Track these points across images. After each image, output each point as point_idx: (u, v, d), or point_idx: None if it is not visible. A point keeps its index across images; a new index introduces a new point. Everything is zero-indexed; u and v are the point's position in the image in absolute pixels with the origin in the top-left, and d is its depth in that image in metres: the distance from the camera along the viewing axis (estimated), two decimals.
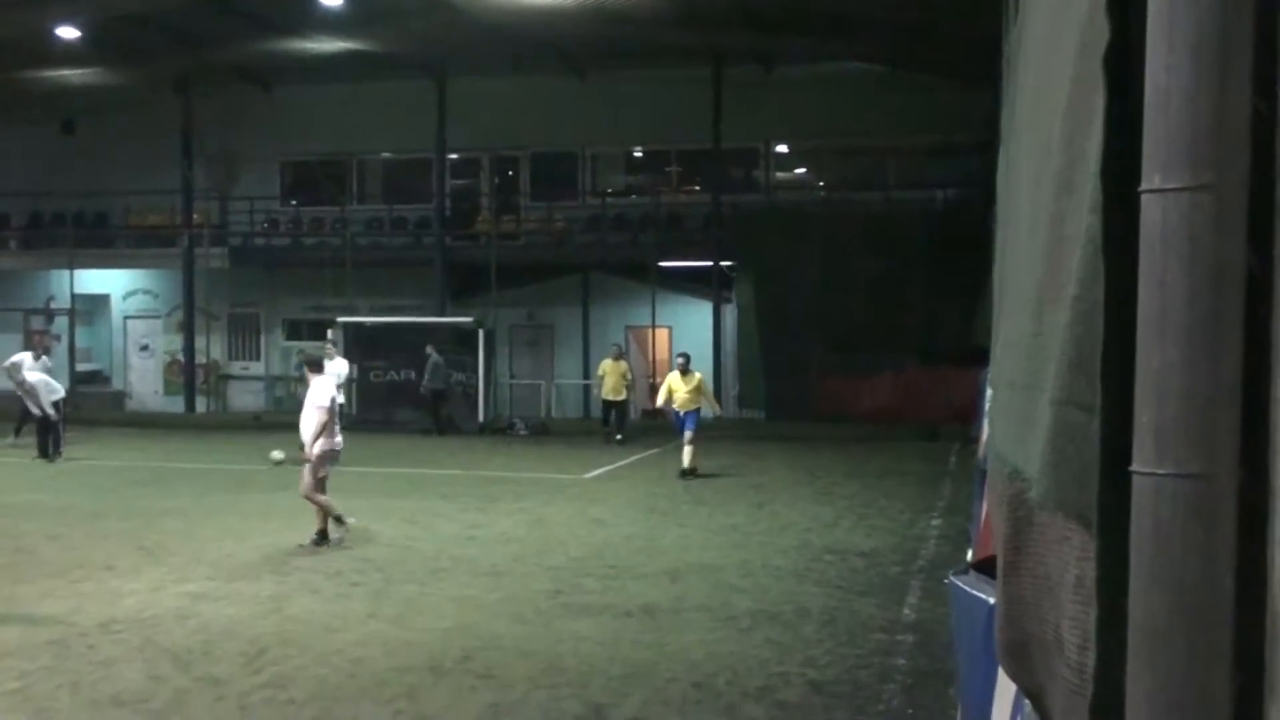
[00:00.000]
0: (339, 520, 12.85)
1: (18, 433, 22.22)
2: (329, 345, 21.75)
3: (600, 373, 25.35)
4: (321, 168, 33.77)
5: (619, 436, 23.97)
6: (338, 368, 20.57)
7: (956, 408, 22.10)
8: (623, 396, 24.63)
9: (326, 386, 13.10)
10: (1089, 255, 1.75)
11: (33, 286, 34.64)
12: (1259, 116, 1.52)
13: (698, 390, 18.88)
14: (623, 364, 25.02)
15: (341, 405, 20.53)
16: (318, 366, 13.39)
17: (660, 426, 22.63)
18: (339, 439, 13.08)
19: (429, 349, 26.45)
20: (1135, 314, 1.61)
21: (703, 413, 19.19)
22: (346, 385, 26.57)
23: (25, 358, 21.77)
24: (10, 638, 8.98)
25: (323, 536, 12.76)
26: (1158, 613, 1.54)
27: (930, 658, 8.46)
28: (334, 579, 11.15)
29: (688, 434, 18.55)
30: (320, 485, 12.84)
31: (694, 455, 18.53)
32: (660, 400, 19.64)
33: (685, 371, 19.06)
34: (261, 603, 10.18)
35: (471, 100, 30.16)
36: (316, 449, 12.71)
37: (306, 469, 12.83)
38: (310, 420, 12.82)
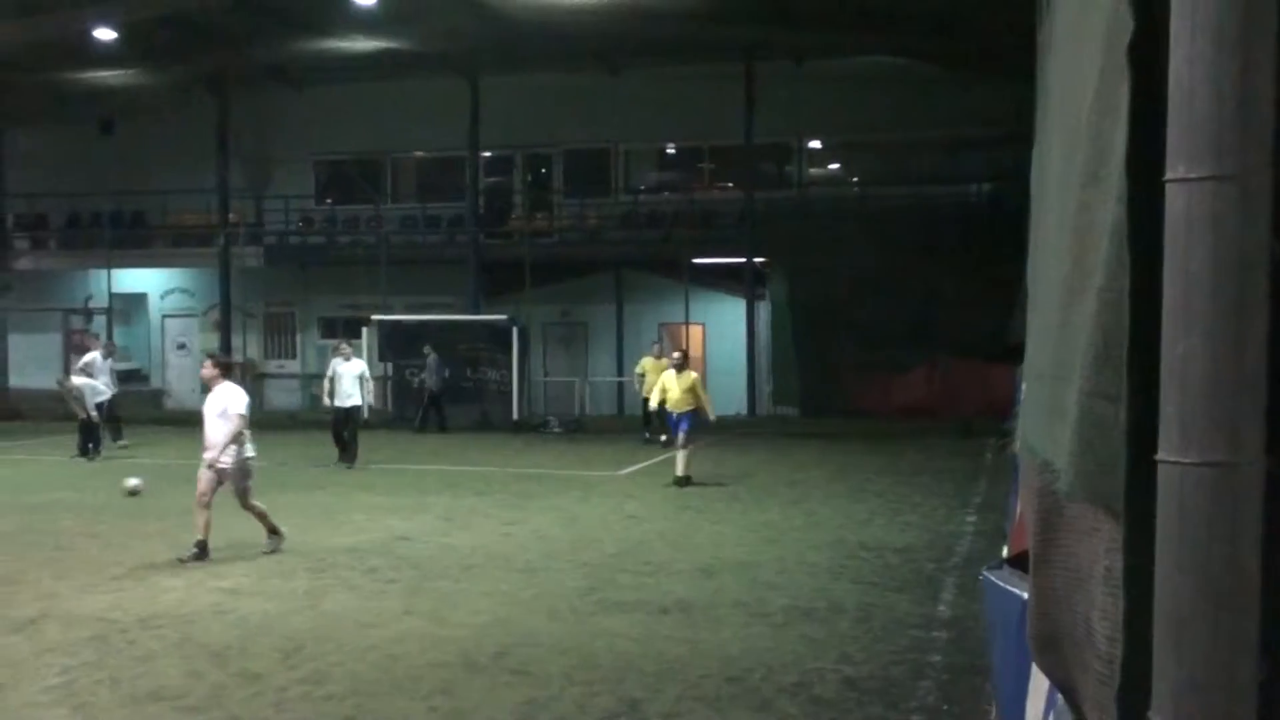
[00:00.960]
0: (274, 531, 12.37)
1: (117, 437, 22.38)
2: (344, 345, 21.79)
3: (640, 370, 24.37)
4: (355, 166, 33.98)
5: (663, 438, 23.23)
6: (355, 369, 20.62)
7: (992, 404, 21.94)
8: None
9: (241, 393, 12.36)
10: (1115, 245, 1.76)
11: (71, 286, 35.00)
12: None
13: (692, 390, 17.62)
14: (665, 361, 24.36)
15: (359, 406, 20.57)
16: (229, 370, 12.73)
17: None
18: (250, 449, 12.38)
19: (426, 348, 26.55)
20: (1161, 304, 1.61)
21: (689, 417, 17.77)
22: (380, 384, 26.78)
23: (95, 357, 22.09)
24: (51, 633, 9.10)
25: (202, 550, 11.88)
26: (1184, 600, 1.54)
27: (965, 653, 8.43)
28: (369, 575, 11.23)
29: (680, 437, 17.60)
30: (249, 493, 12.34)
31: (687, 462, 17.40)
32: (654, 401, 18.88)
33: (680, 370, 17.92)
34: (297, 599, 10.27)
35: (504, 98, 30.24)
36: (229, 459, 12.07)
37: (206, 476, 12.14)
38: (224, 428, 12.11)
